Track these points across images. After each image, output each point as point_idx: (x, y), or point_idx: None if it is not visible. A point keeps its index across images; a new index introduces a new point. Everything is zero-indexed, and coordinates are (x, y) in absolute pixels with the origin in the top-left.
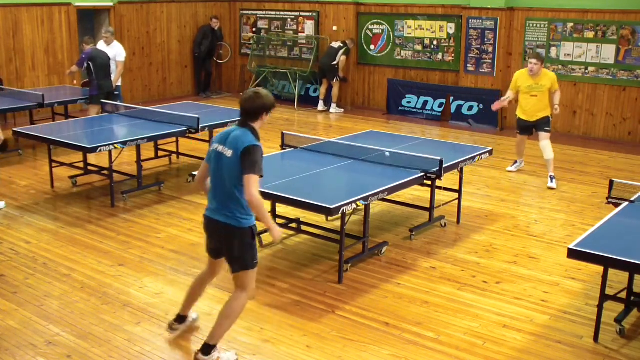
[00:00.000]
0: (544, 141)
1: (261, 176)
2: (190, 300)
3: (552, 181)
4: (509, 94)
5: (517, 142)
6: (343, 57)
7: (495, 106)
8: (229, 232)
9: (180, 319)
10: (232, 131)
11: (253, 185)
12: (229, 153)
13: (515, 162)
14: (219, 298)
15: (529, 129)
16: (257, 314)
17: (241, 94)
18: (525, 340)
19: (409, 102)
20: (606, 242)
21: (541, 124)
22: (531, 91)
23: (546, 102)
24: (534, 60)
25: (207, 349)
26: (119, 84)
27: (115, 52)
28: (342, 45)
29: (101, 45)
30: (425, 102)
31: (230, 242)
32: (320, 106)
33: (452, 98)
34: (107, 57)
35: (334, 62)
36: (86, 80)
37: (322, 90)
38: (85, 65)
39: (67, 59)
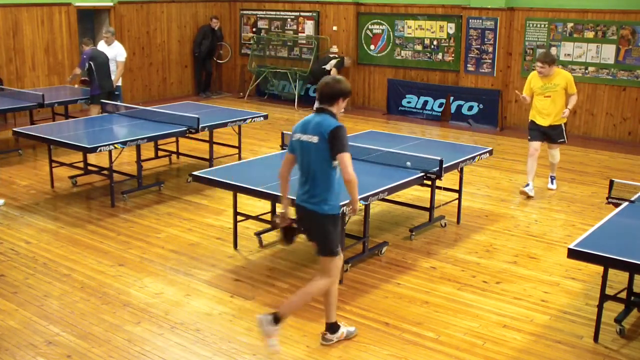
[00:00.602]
0: (555, 150)
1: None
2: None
3: (552, 182)
4: (526, 98)
5: (529, 157)
6: (334, 69)
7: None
8: (316, 219)
9: (332, 327)
10: (311, 119)
11: (348, 163)
12: (314, 139)
13: (528, 184)
14: (219, 298)
15: (542, 134)
16: (257, 314)
17: (241, 93)
18: (525, 340)
19: (409, 102)
20: (606, 242)
21: (555, 135)
22: (545, 92)
23: (562, 104)
24: (539, 64)
25: (331, 327)
26: (120, 84)
27: (116, 52)
28: (337, 57)
29: (101, 46)
30: (425, 102)
31: (317, 228)
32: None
33: (452, 98)
34: (106, 57)
35: (325, 66)
36: (84, 78)
37: None
38: (87, 65)
39: (67, 59)
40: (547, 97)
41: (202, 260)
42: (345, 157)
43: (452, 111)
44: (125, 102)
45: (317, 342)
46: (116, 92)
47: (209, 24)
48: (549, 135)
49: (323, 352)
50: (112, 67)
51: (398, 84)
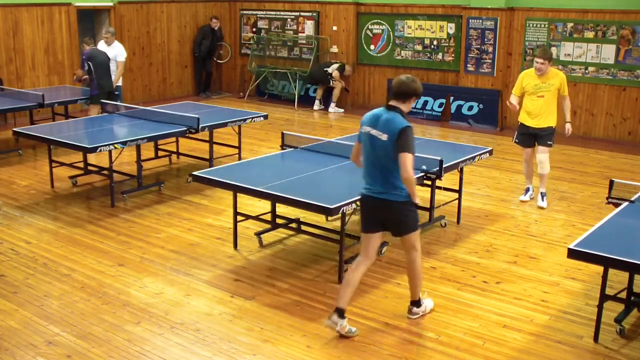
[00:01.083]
0: (543, 155)
1: (414, 154)
2: (350, 291)
3: (543, 199)
4: (514, 100)
5: (524, 161)
6: (336, 72)
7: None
8: (388, 206)
9: (341, 312)
10: (381, 114)
11: (409, 163)
12: (384, 137)
13: (528, 189)
14: (219, 298)
15: (531, 138)
16: (257, 314)
17: (241, 93)
18: (525, 340)
19: None
20: (606, 242)
21: (544, 137)
22: (538, 91)
23: (554, 106)
24: (540, 60)
25: (416, 303)
26: (120, 84)
27: (116, 52)
28: (339, 62)
29: (102, 46)
30: (426, 102)
31: (392, 214)
32: (316, 105)
33: (452, 98)
34: (106, 56)
35: (327, 69)
36: (85, 76)
37: (319, 91)
38: (86, 65)
39: (67, 59)
40: (540, 97)
41: (202, 260)
42: (407, 158)
43: (452, 111)
44: (125, 102)
45: (317, 342)
46: (116, 92)
47: (209, 24)
48: (538, 136)
49: (323, 352)
50: (113, 67)
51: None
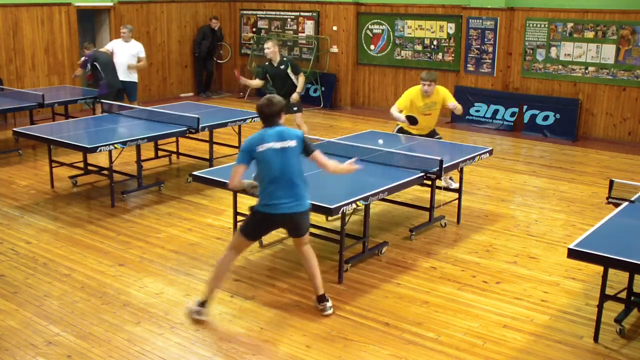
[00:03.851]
0: None
1: None
2: (218, 284)
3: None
4: (400, 116)
5: None
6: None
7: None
8: (303, 217)
9: (204, 304)
10: (273, 129)
11: (324, 156)
12: (292, 143)
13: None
14: (219, 298)
15: None
16: (257, 314)
17: (240, 93)
18: (525, 340)
19: (477, 111)
20: (606, 242)
21: (431, 136)
22: (426, 110)
23: (437, 116)
24: (427, 82)
25: (322, 299)
26: (136, 80)
27: (138, 48)
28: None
29: (119, 43)
30: (496, 111)
31: (303, 223)
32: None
33: (525, 107)
34: (109, 56)
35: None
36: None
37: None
38: (89, 67)
39: (67, 59)
40: (427, 115)
41: (202, 260)
42: (320, 153)
43: (525, 121)
44: (125, 102)
45: (317, 342)
46: (132, 89)
47: (209, 24)
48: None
49: (323, 352)
50: (133, 62)
51: (467, 92)
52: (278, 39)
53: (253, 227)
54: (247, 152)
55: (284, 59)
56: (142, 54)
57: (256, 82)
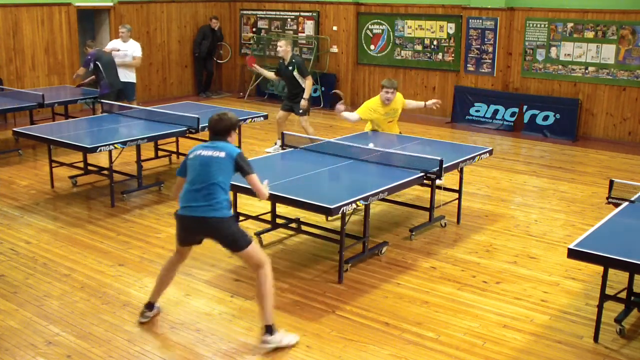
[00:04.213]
0: None
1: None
2: (161, 288)
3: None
4: (356, 117)
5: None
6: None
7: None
8: (220, 224)
9: (150, 306)
10: (211, 143)
11: (259, 182)
12: (221, 154)
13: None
14: (219, 298)
15: None
16: (257, 314)
17: (241, 93)
18: (525, 340)
19: (477, 111)
20: (606, 242)
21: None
22: (388, 118)
23: (396, 123)
24: (390, 90)
25: (269, 329)
26: (134, 80)
27: (134, 48)
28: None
29: (117, 42)
30: (496, 111)
31: (223, 232)
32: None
33: (525, 107)
34: (111, 56)
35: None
36: (84, 81)
37: None
38: (92, 65)
39: (67, 59)
40: (390, 122)
41: (202, 260)
42: (255, 178)
43: (525, 121)
44: (125, 102)
45: (317, 342)
46: (130, 89)
47: (208, 24)
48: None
49: (323, 352)
50: (129, 60)
51: (467, 92)
52: (278, 39)
53: (176, 230)
54: (183, 163)
55: (293, 60)
56: (137, 53)
57: (269, 74)
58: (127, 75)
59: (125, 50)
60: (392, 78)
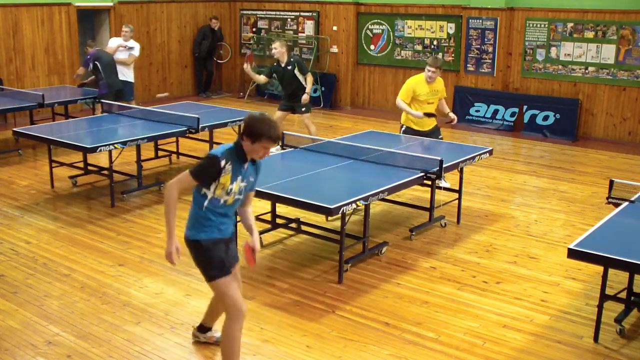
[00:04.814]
0: None
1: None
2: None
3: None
4: (417, 113)
5: None
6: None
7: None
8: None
9: (203, 328)
10: None
11: (178, 178)
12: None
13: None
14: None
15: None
16: (257, 314)
17: (240, 93)
18: (525, 340)
19: (477, 111)
20: (606, 242)
21: (433, 133)
22: (429, 98)
23: (436, 108)
24: (432, 68)
25: (201, 328)
26: (132, 80)
27: (133, 46)
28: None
29: (119, 41)
30: (496, 111)
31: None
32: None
33: (525, 107)
34: (111, 56)
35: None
36: (84, 81)
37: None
38: (91, 65)
39: (67, 59)
40: (431, 103)
41: None
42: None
43: (525, 121)
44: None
45: (317, 342)
46: (128, 89)
47: (208, 24)
48: (428, 136)
49: (323, 352)
50: (125, 56)
51: (467, 92)
52: (278, 39)
53: None
54: None
55: (292, 59)
56: (135, 53)
57: (259, 78)
58: (125, 75)
59: (131, 47)
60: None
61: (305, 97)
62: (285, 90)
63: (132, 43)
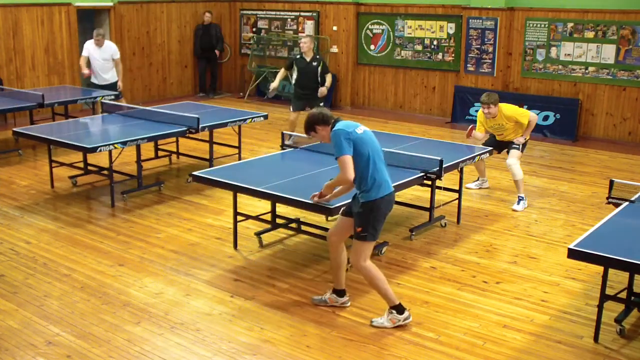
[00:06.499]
0: (512, 159)
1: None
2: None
3: (518, 202)
4: (479, 135)
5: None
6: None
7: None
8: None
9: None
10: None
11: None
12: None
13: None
14: (219, 298)
15: (498, 145)
16: (257, 314)
17: (240, 93)
18: (525, 340)
19: (477, 111)
20: (606, 242)
21: (511, 143)
22: (495, 132)
23: (518, 132)
24: (485, 105)
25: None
26: (113, 80)
27: (112, 51)
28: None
29: (91, 46)
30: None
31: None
32: None
33: (525, 106)
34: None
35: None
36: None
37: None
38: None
39: (67, 59)
40: (500, 135)
41: (202, 260)
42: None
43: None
44: (125, 102)
45: (317, 342)
46: (111, 89)
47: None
48: (503, 145)
49: (323, 352)
50: (109, 65)
51: (467, 92)
52: (278, 39)
53: (380, 214)
54: (348, 140)
55: (317, 56)
56: (117, 55)
57: (280, 74)
58: (104, 78)
59: (104, 57)
60: (488, 94)
61: (322, 90)
62: (303, 85)
63: (107, 46)
